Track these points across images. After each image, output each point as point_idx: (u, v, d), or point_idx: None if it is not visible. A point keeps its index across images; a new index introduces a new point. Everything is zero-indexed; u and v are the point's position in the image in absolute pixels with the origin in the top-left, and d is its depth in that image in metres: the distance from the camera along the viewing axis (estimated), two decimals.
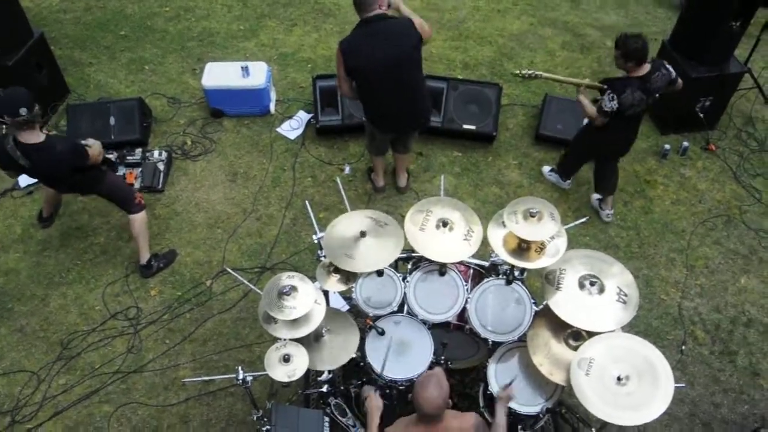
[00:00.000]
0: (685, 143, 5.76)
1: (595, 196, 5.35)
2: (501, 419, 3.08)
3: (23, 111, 3.80)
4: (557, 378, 3.16)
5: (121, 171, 5.43)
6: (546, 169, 5.57)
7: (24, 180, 5.35)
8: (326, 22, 7.06)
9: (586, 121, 4.96)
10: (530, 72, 4.57)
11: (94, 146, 4.22)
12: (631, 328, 4.08)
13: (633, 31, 4.38)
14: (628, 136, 4.83)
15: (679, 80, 4.57)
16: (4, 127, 4.03)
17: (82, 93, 6.21)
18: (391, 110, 4.59)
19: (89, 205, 5.22)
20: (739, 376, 4.44)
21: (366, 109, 4.71)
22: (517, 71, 4.64)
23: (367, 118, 4.80)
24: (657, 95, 4.48)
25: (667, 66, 4.48)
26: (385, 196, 5.42)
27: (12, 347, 4.51)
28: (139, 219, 4.65)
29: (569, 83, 4.88)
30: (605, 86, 4.47)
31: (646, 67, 4.38)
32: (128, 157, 5.49)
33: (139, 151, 5.54)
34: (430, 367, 3.41)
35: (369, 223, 3.49)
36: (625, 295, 3.18)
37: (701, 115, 5.70)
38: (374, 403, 3.15)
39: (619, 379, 2.94)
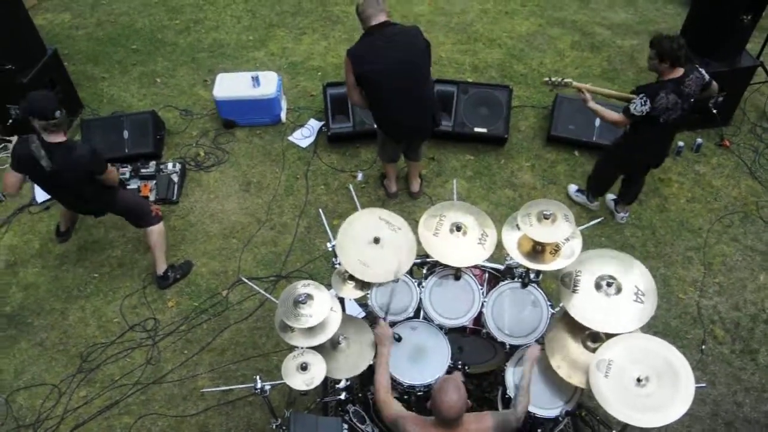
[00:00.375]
0: (699, 140, 5.71)
1: (611, 196, 5.28)
2: (527, 381, 3.11)
3: (58, 113, 3.93)
4: (576, 380, 3.14)
5: (136, 184, 5.48)
6: (572, 188, 5.40)
7: (41, 195, 5.42)
8: (335, 29, 7.09)
9: (611, 138, 4.82)
10: (559, 79, 4.43)
11: (113, 170, 4.32)
12: (649, 328, 4.05)
13: (666, 35, 4.18)
14: (664, 147, 4.64)
15: (714, 83, 4.38)
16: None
17: (96, 108, 6.28)
18: (400, 117, 4.59)
19: (105, 219, 5.26)
20: (761, 374, 4.38)
21: (376, 117, 4.72)
22: (546, 78, 4.52)
23: (377, 125, 4.81)
24: (692, 100, 4.28)
25: (701, 69, 4.28)
26: (398, 202, 5.42)
27: (33, 361, 4.55)
28: (156, 230, 4.69)
29: (600, 93, 4.59)
30: (634, 95, 4.26)
31: (680, 71, 4.19)
32: (142, 170, 5.54)
33: (153, 163, 5.59)
34: (448, 372, 3.40)
35: (382, 227, 3.49)
36: (643, 294, 3.16)
37: (714, 110, 5.64)
38: (383, 331, 3.22)
39: (638, 380, 2.92)
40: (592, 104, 4.46)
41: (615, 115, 4.38)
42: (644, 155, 4.66)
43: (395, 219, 3.54)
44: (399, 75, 4.33)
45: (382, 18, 4.24)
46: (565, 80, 4.44)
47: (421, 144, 5.13)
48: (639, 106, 4.18)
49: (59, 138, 4.02)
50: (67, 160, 4.02)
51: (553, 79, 4.46)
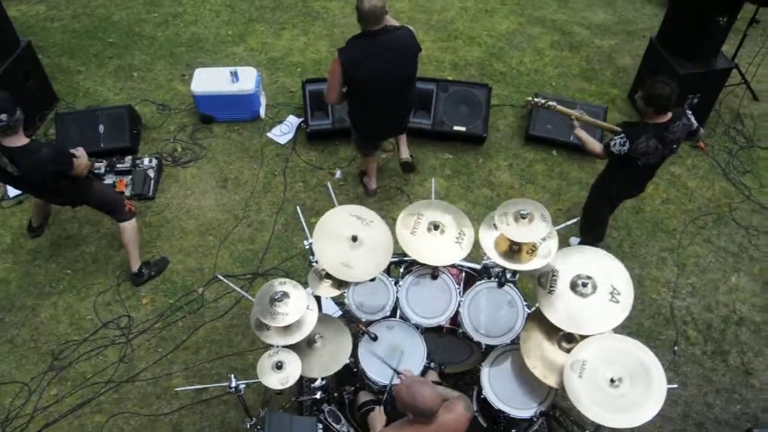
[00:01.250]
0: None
1: (576, 240, 5.03)
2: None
3: (3, 117, 3.79)
4: (551, 381, 3.16)
5: (111, 179, 5.40)
6: (574, 241, 5.05)
7: (13, 190, 5.31)
8: (315, 25, 7.05)
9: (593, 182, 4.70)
10: (542, 101, 4.29)
11: (81, 157, 4.20)
12: (623, 328, 4.08)
13: (662, 78, 3.97)
14: (644, 182, 4.57)
15: (701, 130, 4.30)
16: None
17: (71, 101, 6.17)
18: (380, 120, 4.61)
19: (79, 214, 5.19)
20: (731, 375, 4.45)
21: (354, 117, 4.71)
22: (530, 98, 4.41)
23: (352, 125, 4.81)
24: (675, 146, 4.14)
25: (689, 116, 4.16)
26: (376, 200, 5.41)
27: (2, 358, 4.47)
28: (129, 227, 4.63)
29: (585, 121, 4.37)
30: (620, 129, 4.10)
31: (667, 116, 4.02)
32: (118, 165, 5.45)
33: (129, 158, 5.51)
34: (423, 372, 3.41)
35: (355, 223, 3.46)
36: (619, 294, 3.18)
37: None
38: (379, 418, 3.21)
39: (612, 381, 2.95)
40: (578, 131, 4.33)
41: (597, 147, 4.26)
42: (625, 190, 4.58)
43: (366, 213, 3.52)
44: (389, 81, 4.32)
45: (383, 24, 4.17)
46: (549, 103, 4.30)
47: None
48: (618, 145, 4.05)
49: (20, 141, 3.92)
50: (31, 164, 3.94)
51: (536, 100, 4.33)
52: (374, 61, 4.21)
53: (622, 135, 4.04)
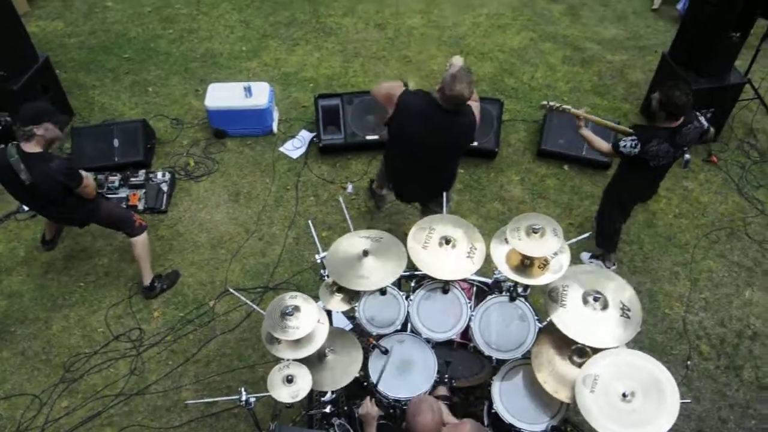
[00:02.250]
0: (687, 156, 5.65)
1: (587, 255, 5.07)
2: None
3: (38, 131, 3.96)
4: (562, 395, 3.13)
5: (125, 193, 5.46)
6: (585, 256, 5.08)
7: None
8: (328, 41, 7.11)
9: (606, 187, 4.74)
10: (557, 105, 4.31)
11: (88, 178, 4.26)
12: (635, 343, 4.06)
13: (680, 85, 3.99)
14: (657, 184, 4.62)
15: (711, 130, 4.32)
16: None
17: (87, 115, 6.26)
18: (405, 180, 4.45)
19: (92, 227, 5.20)
20: (745, 390, 4.39)
21: (386, 162, 4.60)
22: (544, 102, 4.41)
23: (385, 165, 4.69)
24: (686, 148, 4.19)
25: (700, 118, 4.20)
26: (387, 214, 5.42)
27: (14, 370, 4.50)
28: (140, 241, 4.65)
29: (596, 121, 4.45)
30: (632, 131, 4.16)
31: (680, 120, 4.06)
32: (132, 179, 5.52)
33: (142, 172, 5.57)
34: (434, 386, 3.39)
35: (365, 242, 3.48)
36: (629, 310, 3.16)
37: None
38: (370, 411, 3.18)
39: (624, 395, 2.92)
40: (584, 131, 4.38)
41: (604, 145, 4.29)
42: (636, 193, 4.61)
43: (374, 233, 3.55)
44: (424, 154, 4.11)
45: (455, 103, 3.87)
46: (564, 106, 4.33)
47: (436, 203, 4.45)
48: (629, 147, 4.08)
49: (35, 148, 4.01)
50: (42, 172, 4.00)
51: (551, 103, 4.36)
52: (422, 126, 3.96)
53: (634, 137, 4.07)
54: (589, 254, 5.09)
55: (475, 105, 4.11)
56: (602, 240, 4.90)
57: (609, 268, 4.93)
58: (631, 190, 4.55)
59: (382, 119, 4.29)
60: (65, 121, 4.15)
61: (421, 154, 4.11)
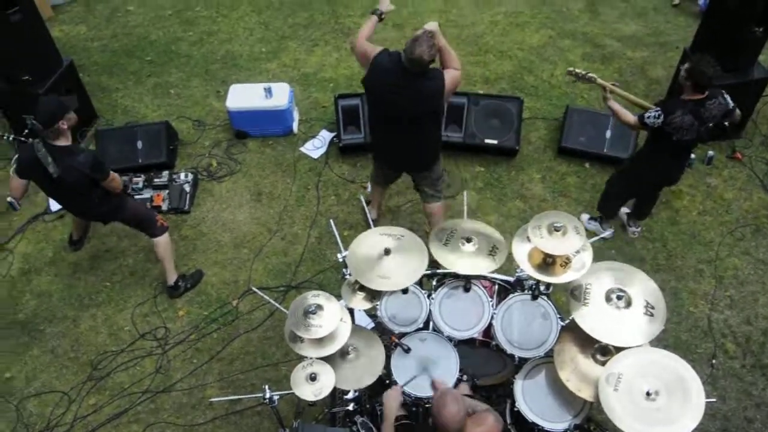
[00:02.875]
0: (711, 152, 5.69)
1: (625, 210, 5.24)
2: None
3: (63, 125, 4.04)
4: (585, 394, 3.12)
5: (149, 194, 5.53)
6: (585, 217, 5.30)
7: (55, 204, 5.48)
8: (346, 41, 7.13)
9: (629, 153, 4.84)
10: (584, 72, 4.44)
11: (114, 175, 4.34)
12: (659, 341, 4.02)
13: (709, 58, 4.09)
14: (678, 165, 4.61)
15: (737, 111, 4.34)
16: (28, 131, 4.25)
17: (110, 118, 6.35)
18: (384, 146, 4.54)
19: (117, 228, 5.31)
20: None
21: (370, 129, 4.68)
22: (571, 68, 4.54)
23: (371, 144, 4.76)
24: (710, 125, 4.23)
25: (725, 96, 4.25)
26: (410, 213, 5.44)
27: (44, 368, 4.59)
28: (162, 242, 4.71)
29: (622, 95, 4.53)
30: (656, 105, 4.25)
31: (704, 94, 4.14)
32: (155, 180, 5.59)
33: (165, 173, 5.65)
34: (456, 384, 3.40)
35: (386, 240, 3.48)
36: (653, 308, 3.14)
37: (726, 123, 5.62)
38: (393, 398, 3.22)
39: (648, 394, 2.90)
40: (611, 102, 4.45)
41: (631, 118, 4.36)
42: (655, 173, 4.63)
43: (394, 230, 3.54)
44: (396, 116, 4.16)
45: (417, 65, 3.92)
46: (589, 75, 4.44)
47: (421, 179, 4.70)
48: (653, 117, 4.18)
49: (63, 142, 4.10)
50: (70, 165, 4.07)
51: (578, 70, 4.49)
52: (389, 87, 4.04)
53: (658, 108, 4.18)
54: (589, 215, 5.29)
55: (451, 72, 4.10)
56: (603, 204, 5.10)
57: (605, 231, 5.04)
58: (648, 166, 4.60)
59: None
60: (73, 100, 4.18)
61: (392, 116, 4.18)
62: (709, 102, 4.15)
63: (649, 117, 4.20)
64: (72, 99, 4.16)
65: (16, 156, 4.32)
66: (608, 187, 5.02)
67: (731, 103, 4.26)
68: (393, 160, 4.69)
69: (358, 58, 4.32)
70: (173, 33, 7.39)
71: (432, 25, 4.08)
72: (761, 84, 5.63)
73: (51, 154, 4.03)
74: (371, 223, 3.79)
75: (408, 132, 4.25)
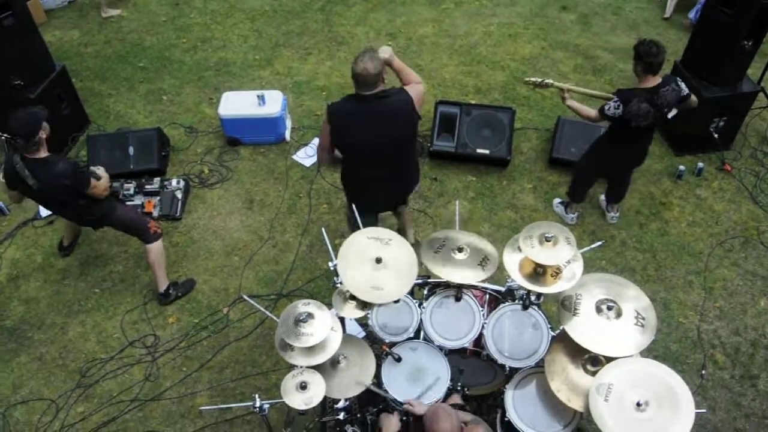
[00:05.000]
0: (700, 164, 5.74)
1: (558, 201, 5.52)
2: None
3: (42, 135, 4.00)
4: (575, 404, 3.12)
5: (140, 200, 5.51)
6: (556, 200, 5.54)
7: (45, 209, 5.45)
8: (340, 50, 7.16)
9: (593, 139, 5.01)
10: (540, 80, 4.62)
11: (102, 177, 4.31)
12: (649, 352, 4.04)
13: (652, 40, 4.35)
14: (640, 148, 4.80)
15: (693, 97, 4.55)
16: (6, 145, 4.16)
17: (102, 124, 6.33)
18: (369, 190, 4.25)
19: (108, 234, 5.29)
20: (761, 400, 4.36)
21: (344, 182, 4.45)
22: (527, 79, 4.73)
23: (345, 190, 4.54)
24: (666, 110, 4.45)
25: (679, 83, 4.45)
26: (399, 223, 5.43)
27: (31, 375, 4.55)
28: (154, 248, 4.69)
29: (580, 92, 4.77)
30: (614, 96, 4.47)
31: (657, 80, 4.37)
32: (146, 186, 5.58)
33: (157, 180, 5.63)
34: (447, 394, 3.40)
35: (374, 245, 3.44)
36: (643, 318, 3.16)
37: (715, 135, 5.69)
38: (393, 424, 3.18)
39: (638, 404, 2.90)
40: (570, 102, 4.66)
41: (591, 112, 4.57)
42: (620, 157, 4.83)
43: (383, 233, 3.50)
44: (381, 150, 3.99)
45: (376, 89, 3.82)
46: (546, 81, 4.63)
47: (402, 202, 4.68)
48: (612, 108, 4.40)
49: (42, 153, 4.06)
50: (48, 176, 4.05)
51: (533, 79, 4.68)
52: (363, 125, 3.89)
53: (616, 99, 4.39)
54: (559, 200, 5.52)
55: (413, 86, 3.99)
56: (571, 190, 5.28)
57: (569, 215, 5.36)
58: (609, 150, 4.80)
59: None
60: (43, 110, 4.13)
61: (378, 153, 3.99)
62: (663, 89, 4.35)
63: (609, 108, 4.41)
64: (42, 109, 4.12)
65: (2, 170, 4.29)
66: (575, 173, 5.25)
67: (686, 90, 4.46)
68: (387, 199, 4.47)
69: (323, 146, 4.15)
70: (167, 39, 7.39)
71: (386, 50, 3.99)
72: (750, 97, 5.68)
73: (28, 167, 4.01)
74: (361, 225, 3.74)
75: (396, 160, 4.14)
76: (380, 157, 4.02)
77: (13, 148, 4.02)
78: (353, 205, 3.92)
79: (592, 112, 4.56)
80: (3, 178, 4.27)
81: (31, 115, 4.05)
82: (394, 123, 3.92)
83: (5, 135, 3.94)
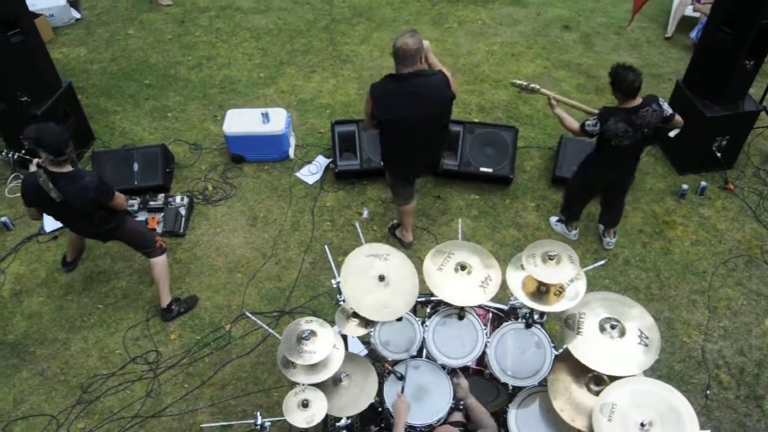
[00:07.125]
0: (703, 183, 5.75)
1: (555, 219, 5.56)
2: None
3: (68, 150, 4.04)
4: (579, 424, 3.10)
5: (144, 216, 5.53)
6: (553, 219, 5.57)
7: (49, 225, 5.47)
8: (344, 68, 7.22)
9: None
10: (526, 84, 4.68)
11: (119, 195, 4.37)
12: (653, 372, 4.03)
13: (629, 64, 4.37)
14: (627, 165, 4.80)
15: (677, 117, 4.52)
16: (31, 164, 4.29)
17: (107, 140, 6.38)
18: (408, 159, 4.67)
19: (112, 250, 5.30)
20: (767, 421, 4.32)
21: (384, 154, 4.78)
22: (513, 80, 4.81)
23: (384, 163, 4.88)
24: (646, 130, 4.44)
25: (661, 103, 4.45)
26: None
27: (33, 390, 4.54)
28: (159, 263, 4.71)
29: (566, 103, 4.82)
30: (596, 112, 4.53)
31: (637, 101, 4.39)
32: (151, 203, 5.59)
33: (161, 196, 5.65)
34: (449, 413, 3.38)
35: (374, 262, 3.44)
36: (647, 338, 3.14)
37: (718, 154, 5.70)
38: (402, 405, 3.18)
39: (642, 425, 2.89)
40: (558, 110, 4.73)
41: (575, 125, 4.63)
42: (604, 174, 4.86)
43: (379, 248, 3.51)
44: (418, 126, 4.37)
45: (415, 68, 4.19)
46: (532, 85, 4.70)
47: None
48: (590, 126, 4.47)
49: (65, 169, 4.11)
50: (74, 190, 4.10)
51: (520, 81, 4.75)
52: (402, 102, 4.25)
53: (594, 117, 4.48)
54: (557, 218, 5.54)
55: (447, 72, 4.38)
56: (565, 209, 5.31)
57: (571, 232, 5.41)
58: (596, 166, 4.83)
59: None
60: (67, 126, 4.23)
61: (416, 129, 4.38)
62: (642, 109, 4.37)
63: (588, 125, 4.48)
64: (67, 125, 4.22)
65: (21, 188, 4.31)
66: (566, 191, 5.27)
67: (669, 110, 4.46)
68: (425, 167, 4.92)
69: (367, 118, 4.50)
70: (172, 57, 7.45)
71: (426, 43, 4.30)
72: (752, 116, 5.70)
73: (53, 181, 4.05)
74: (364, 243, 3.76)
75: (435, 130, 4.52)
76: (414, 132, 4.41)
77: (25, 164, 4.06)
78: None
79: (576, 125, 4.62)
80: (21, 196, 4.31)
81: (59, 131, 4.13)
82: (433, 99, 4.30)
83: (18, 151, 3.97)
